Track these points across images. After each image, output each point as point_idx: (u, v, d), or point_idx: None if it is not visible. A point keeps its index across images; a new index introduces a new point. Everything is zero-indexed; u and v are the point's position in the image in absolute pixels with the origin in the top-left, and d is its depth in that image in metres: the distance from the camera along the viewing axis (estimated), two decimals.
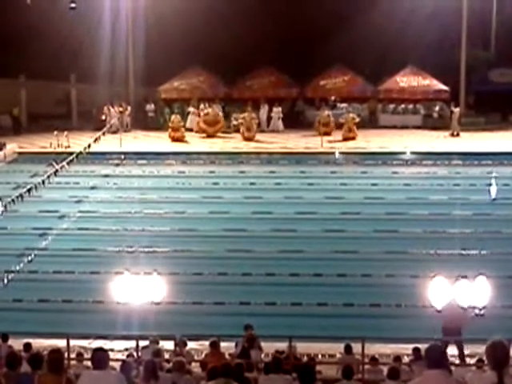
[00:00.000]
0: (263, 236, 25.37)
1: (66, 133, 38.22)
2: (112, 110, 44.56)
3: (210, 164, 36.03)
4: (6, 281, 22.19)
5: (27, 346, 13.90)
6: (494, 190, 29.88)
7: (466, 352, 16.14)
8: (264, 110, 44.99)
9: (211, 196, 30.22)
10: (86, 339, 16.44)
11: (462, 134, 41.81)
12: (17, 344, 14.24)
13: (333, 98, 47.53)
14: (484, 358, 14.81)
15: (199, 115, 44.43)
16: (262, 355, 15.22)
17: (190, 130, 43.72)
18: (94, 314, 19.04)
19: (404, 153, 36.67)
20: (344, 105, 46.82)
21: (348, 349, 14.65)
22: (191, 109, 45.33)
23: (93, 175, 33.95)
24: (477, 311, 17.61)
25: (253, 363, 14.09)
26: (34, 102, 46.95)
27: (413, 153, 36.54)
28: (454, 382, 7.18)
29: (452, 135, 41.84)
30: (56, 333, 16.01)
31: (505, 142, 38.22)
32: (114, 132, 40.44)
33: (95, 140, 36.71)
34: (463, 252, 23.06)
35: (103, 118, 43.99)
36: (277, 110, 44.93)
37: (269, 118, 45.12)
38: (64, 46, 45.02)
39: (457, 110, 42.72)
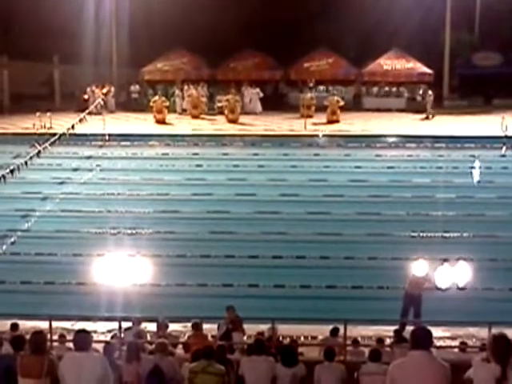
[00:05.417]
0: (246, 218, 25.31)
1: (48, 114, 38.01)
2: (95, 91, 44.40)
3: (193, 146, 35.97)
4: None
5: (14, 326, 13.89)
6: (476, 173, 29.99)
7: (448, 334, 16.24)
8: (247, 92, 44.85)
9: (195, 178, 30.19)
10: (69, 321, 16.37)
11: (446, 117, 42.04)
12: None
13: (310, 81, 47.25)
14: (467, 341, 15.01)
15: (183, 97, 44.38)
16: (245, 337, 15.25)
17: (174, 111, 43.63)
18: (76, 296, 18.95)
19: (387, 136, 36.71)
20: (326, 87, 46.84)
21: (335, 331, 14.63)
22: (176, 91, 45.16)
23: (76, 157, 33.84)
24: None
25: (235, 345, 14.14)
26: (16, 83, 46.57)
27: (396, 136, 36.60)
28: (437, 363, 7.22)
29: (427, 118, 41.99)
30: (38, 314, 15.95)
31: (488, 125, 38.31)
32: (98, 113, 40.19)
33: (79, 121, 36.48)
34: (446, 234, 23.15)
35: (86, 97, 43.83)
36: (255, 92, 44.77)
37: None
38: (47, 26, 44.79)
39: (430, 93, 42.95)
